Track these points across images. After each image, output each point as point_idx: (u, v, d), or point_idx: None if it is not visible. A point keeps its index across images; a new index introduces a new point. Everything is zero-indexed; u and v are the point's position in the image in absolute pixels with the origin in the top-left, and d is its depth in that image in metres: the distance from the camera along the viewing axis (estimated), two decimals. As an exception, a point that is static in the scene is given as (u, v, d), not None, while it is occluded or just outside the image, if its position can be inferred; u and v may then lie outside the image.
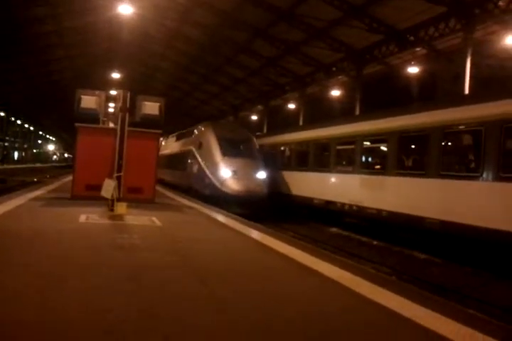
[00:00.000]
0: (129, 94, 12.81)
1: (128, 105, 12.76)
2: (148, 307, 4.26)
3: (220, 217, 11.93)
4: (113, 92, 19.47)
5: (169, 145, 31.39)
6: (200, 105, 56.89)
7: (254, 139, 21.88)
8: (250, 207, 17.55)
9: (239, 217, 12.25)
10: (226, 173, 18.61)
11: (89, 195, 12.65)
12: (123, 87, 21.84)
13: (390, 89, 28.86)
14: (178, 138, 29.44)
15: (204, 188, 19.70)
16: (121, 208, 10.51)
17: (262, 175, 19.41)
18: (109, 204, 10.88)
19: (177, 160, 26.83)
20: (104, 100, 14.54)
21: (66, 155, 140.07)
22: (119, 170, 11.84)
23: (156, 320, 3.90)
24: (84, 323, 3.77)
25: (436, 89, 25.81)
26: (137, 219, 10.22)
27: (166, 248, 7.33)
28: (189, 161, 22.79)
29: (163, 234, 8.80)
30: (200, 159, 20.65)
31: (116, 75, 43.96)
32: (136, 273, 5.49)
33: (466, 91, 20.05)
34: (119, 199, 10.87)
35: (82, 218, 9.73)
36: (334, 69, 31.43)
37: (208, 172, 19.44)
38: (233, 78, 41.75)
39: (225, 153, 19.39)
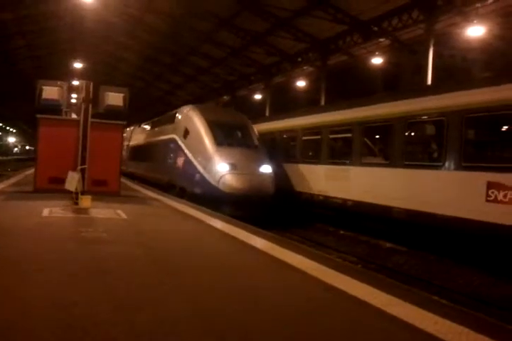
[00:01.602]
0: (92, 85, 12.59)
1: (91, 96, 12.54)
2: (112, 298, 4.26)
3: (185, 208, 11.86)
4: (76, 83, 19.16)
5: (141, 135, 27.88)
6: (164, 96, 56.30)
7: (252, 125, 18.17)
8: (253, 209, 14.40)
9: (203, 208, 12.22)
10: (223, 167, 14.98)
11: (52, 187, 12.41)
12: (86, 78, 21.48)
13: (354, 79, 29.13)
14: (153, 126, 25.51)
15: (193, 186, 16.07)
16: (85, 201, 10.35)
17: (267, 168, 15.80)
18: (74, 197, 10.69)
19: (152, 152, 23.06)
20: (67, 91, 14.29)
21: (27, 147, 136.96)
22: (83, 162, 11.65)
23: (121, 312, 3.87)
24: (46, 317, 3.73)
25: (400, 80, 26.15)
26: (102, 212, 10.09)
27: (131, 240, 7.25)
28: (170, 152, 19.15)
29: (129, 226, 8.70)
30: (186, 150, 17.04)
31: (78, 65, 43.14)
32: (101, 267, 5.44)
33: (429, 81, 20.34)
34: (83, 192, 10.70)
35: (46, 212, 9.55)
36: (299, 59, 31.44)
37: (198, 166, 15.87)
38: (197, 68, 41.40)
39: (220, 142, 15.93)
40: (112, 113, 14.12)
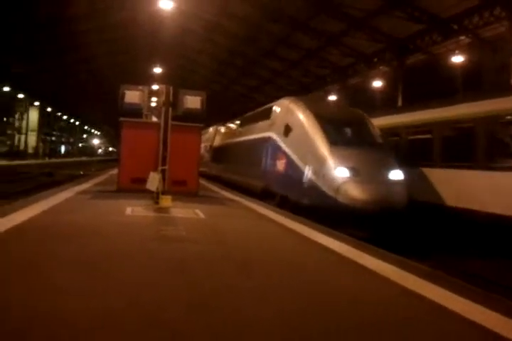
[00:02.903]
0: (171, 89, 13.01)
1: (171, 99, 12.96)
2: (193, 297, 4.40)
3: (262, 210, 12.00)
4: (155, 87, 19.81)
5: (228, 134, 25.62)
6: (240, 98, 57.07)
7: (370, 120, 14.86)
8: (381, 228, 11.40)
9: (281, 210, 12.29)
10: (341, 173, 12.12)
11: (134, 187, 12.92)
12: (164, 82, 22.15)
13: (433, 78, 28.34)
14: (243, 123, 22.76)
15: (300, 195, 13.20)
16: (166, 201, 10.70)
17: (398, 174, 12.64)
18: (154, 197, 11.10)
19: (243, 153, 20.36)
20: (147, 95, 14.81)
21: (111, 149, 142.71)
22: (164, 163, 12.04)
23: (205, 311, 4.01)
24: (130, 315, 3.86)
25: (482, 79, 25.20)
26: (181, 211, 10.39)
27: (209, 239, 7.44)
28: (266, 153, 16.33)
29: (207, 226, 8.93)
30: (288, 150, 14.28)
31: (157, 70, 44.50)
32: (182, 264, 5.62)
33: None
34: (163, 192, 11.07)
35: (128, 211, 9.95)
36: (375, 59, 31.02)
37: (307, 170, 12.97)
38: (273, 71, 41.72)
39: (334, 141, 13.02)
40: (190, 115, 14.48)
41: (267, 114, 17.51)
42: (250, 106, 34.13)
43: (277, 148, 15.17)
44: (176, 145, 12.81)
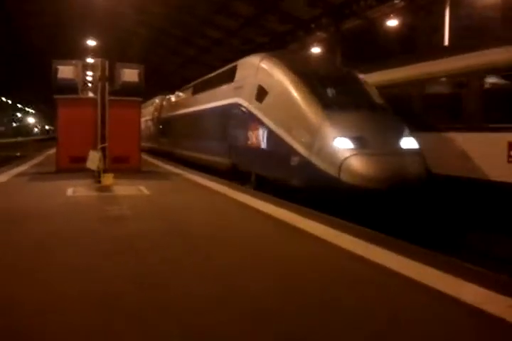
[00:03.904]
0: (107, 63, 12.58)
1: (107, 74, 12.55)
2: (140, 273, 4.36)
3: (208, 183, 11.89)
4: (90, 60, 19.10)
5: (179, 104, 22.56)
6: (179, 69, 56.02)
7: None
8: (400, 211, 8.67)
9: (227, 181, 12.21)
10: (344, 144, 9.35)
11: (74, 167, 12.55)
12: (99, 55, 21.39)
13: (370, 43, 28.56)
14: (197, 90, 19.56)
15: (287, 175, 10.37)
16: (107, 179, 10.44)
17: (411, 142, 10.05)
18: (96, 175, 10.81)
19: (200, 124, 17.70)
20: (82, 69, 14.26)
21: (47, 127, 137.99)
22: (103, 140, 11.72)
23: (153, 288, 3.93)
24: (78, 294, 3.81)
25: (416, 42, 25.57)
26: (125, 189, 10.17)
27: (155, 217, 7.30)
28: (234, 124, 13.55)
29: (152, 202, 8.77)
30: (264, 119, 11.48)
31: (92, 43, 42.98)
32: (128, 243, 5.52)
33: (446, 42, 19.88)
34: (105, 170, 10.79)
35: (70, 191, 9.67)
36: (313, 25, 30.91)
37: (293, 143, 10.15)
38: (212, 40, 41.01)
39: (329, 105, 10.28)
40: (129, 89, 14.09)
41: (229, 75, 14.82)
42: (182, 82, 33.47)
43: (248, 117, 12.38)
44: (115, 121, 12.49)
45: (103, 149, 11.34)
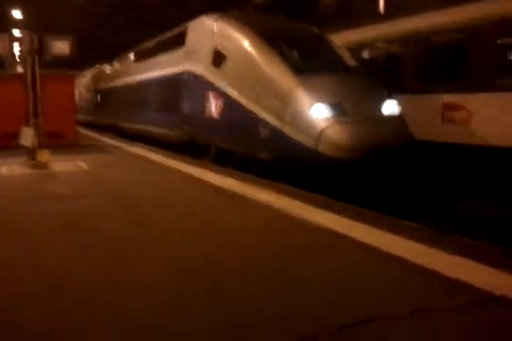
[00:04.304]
0: (35, 36, 12.13)
1: (36, 47, 12.12)
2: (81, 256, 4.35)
3: (148, 154, 11.86)
4: (17, 33, 18.30)
5: (121, 73, 20.86)
6: (112, 39, 54.22)
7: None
8: (385, 183, 8.09)
9: (165, 151, 12.17)
10: (321, 112, 8.47)
11: (6, 143, 12.24)
12: (27, 27, 20.50)
13: (308, 9, 28.49)
14: (140, 57, 18.13)
15: (253, 147, 9.55)
16: (43, 156, 10.16)
17: (393, 106, 9.24)
18: (30, 152, 10.57)
19: (147, 94, 16.43)
20: (9, 43, 13.71)
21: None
22: (36, 116, 11.42)
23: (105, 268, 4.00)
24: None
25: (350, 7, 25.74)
26: (62, 165, 10.05)
27: (94, 193, 7.27)
28: (187, 93, 12.48)
29: (91, 178, 8.72)
30: (224, 86, 10.47)
31: (17, 14, 40.95)
32: (67, 222, 5.47)
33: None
34: (40, 147, 10.56)
35: (4, 170, 9.48)
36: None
37: (261, 113, 9.20)
38: (146, 8, 39.85)
39: (300, 68, 9.27)
40: (61, 62, 13.69)
41: (178, 40, 13.52)
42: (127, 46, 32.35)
43: (204, 85, 11.38)
44: (48, 96, 12.14)
45: (36, 125, 11.06)
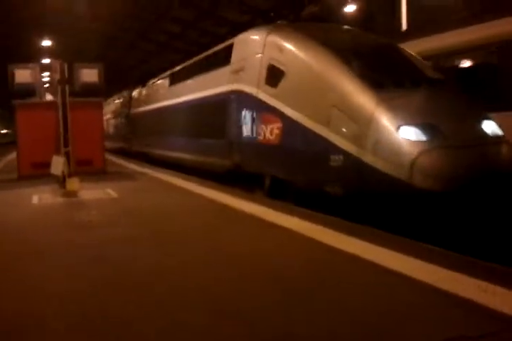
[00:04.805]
0: (65, 64, 12.32)
1: (66, 75, 12.30)
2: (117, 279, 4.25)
3: (175, 180, 11.80)
4: (46, 61, 18.66)
5: (155, 97, 19.62)
6: (138, 65, 55.29)
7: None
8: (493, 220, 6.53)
9: (193, 178, 12.11)
10: (414, 135, 6.95)
11: (37, 173, 12.35)
12: (56, 55, 20.92)
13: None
14: (177, 79, 16.91)
15: (326, 178, 7.83)
16: (73, 184, 10.20)
17: (493, 126, 7.64)
18: (60, 180, 10.61)
19: (185, 119, 15.19)
20: (39, 72, 13.98)
21: (5, 131, 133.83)
22: (66, 144, 11.50)
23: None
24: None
25: (373, 26, 25.79)
26: (92, 193, 10.04)
27: (124, 221, 7.18)
28: (235, 116, 10.99)
29: (120, 205, 8.67)
30: (283, 107, 8.96)
31: (46, 43, 41.97)
32: (98, 253, 5.35)
33: (404, 25, 20.01)
34: (69, 175, 10.61)
35: (35, 199, 9.49)
36: (272, 14, 30.86)
37: (332, 137, 7.67)
38: (169, 33, 40.58)
39: (378, 82, 7.77)
40: (89, 90, 13.87)
41: (222, 57, 12.36)
42: (142, 77, 32.46)
43: (256, 106, 9.99)
44: (77, 124, 12.29)
45: (66, 153, 11.13)
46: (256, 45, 10.49)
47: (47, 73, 14.11)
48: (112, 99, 30.28)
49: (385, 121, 7.06)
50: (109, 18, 41.20)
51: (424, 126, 6.98)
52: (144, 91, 22.06)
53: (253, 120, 10.14)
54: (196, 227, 6.63)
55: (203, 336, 3.17)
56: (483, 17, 9.82)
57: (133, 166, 16.53)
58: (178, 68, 17.51)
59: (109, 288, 4.21)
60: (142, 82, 23.10)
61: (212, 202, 8.67)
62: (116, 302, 3.85)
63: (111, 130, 29.53)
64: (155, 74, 22.02)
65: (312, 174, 8.25)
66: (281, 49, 9.40)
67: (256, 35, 10.80)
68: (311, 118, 8.17)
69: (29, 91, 13.40)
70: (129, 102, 24.61)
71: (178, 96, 16.06)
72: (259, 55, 10.16)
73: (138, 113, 22.28)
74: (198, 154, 13.76)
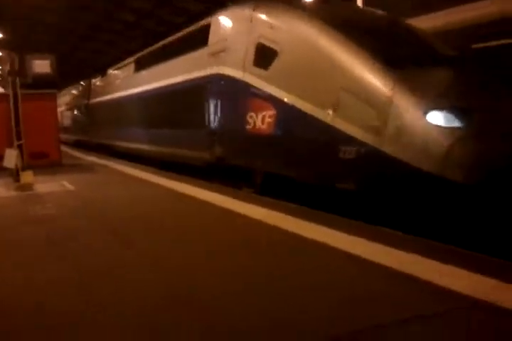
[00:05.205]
0: (16, 56, 12.01)
1: (17, 67, 11.99)
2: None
3: (136, 172, 11.68)
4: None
5: (117, 85, 18.23)
6: (93, 56, 54.18)
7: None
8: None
9: (153, 169, 12.00)
10: (445, 120, 5.69)
11: None
12: (6, 46, 20.32)
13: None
14: (144, 64, 15.46)
15: (335, 172, 6.70)
16: (27, 177, 10.00)
17: None
18: (14, 174, 10.39)
19: (155, 107, 13.85)
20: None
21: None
22: (19, 137, 11.25)
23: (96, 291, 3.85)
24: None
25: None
26: (47, 186, 9.87)
27: (81, 214, 7.08)
28: (219, 103, 9.80)
29: (77, 198, 8.54)
30: (278, 92, 7.75)
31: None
32: (57, 243, 5.31)
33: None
34: (23, 168, 10.39)
35: (-13, 193, 9.27)
36: (230, 3, 30.73)
37: (342, 125, 6.46)
38: (125, 23, 39.88)
39: (393, 60, 6.49)
40: (42, 81, 13.56)
41: (197, 40, 11.10)
42: (108, 61, 31.85)
43: (244, 91, 8.71)
44: (30, 116, 12.04)
45: (19, 146, 10.90)
46: (240, 23, 9.37)
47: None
48: (67, 90, 29.54)
49: (409, 104, 5.92)
50: (61, 10, 40.28)
51: (456, 110, 5.83)
52: (104, 80, 20.74)
53: (239, 107, 8.91)
54: (154, 212, 6.68)
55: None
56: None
57: (93, 158, 16.25)
58: (143, 53, 16.13)
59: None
60: (101, 71, 21.90)
61: (169, 191, 8.67)
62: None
63: (68, 122, 28.89)
64: (110, 64, 21.46)
65: (317, 168, 7.10)
66: (272, 25, 8.23)
67: (239, 12, 9.64)
68: (314, 104, 6.99)
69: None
70: (87, 92, 23.51)
71: (146, 83, 14.61)
72: (245, 34, 8.96)
73: (99, 103, 20.93)
74: (171, 146, 12.45)
